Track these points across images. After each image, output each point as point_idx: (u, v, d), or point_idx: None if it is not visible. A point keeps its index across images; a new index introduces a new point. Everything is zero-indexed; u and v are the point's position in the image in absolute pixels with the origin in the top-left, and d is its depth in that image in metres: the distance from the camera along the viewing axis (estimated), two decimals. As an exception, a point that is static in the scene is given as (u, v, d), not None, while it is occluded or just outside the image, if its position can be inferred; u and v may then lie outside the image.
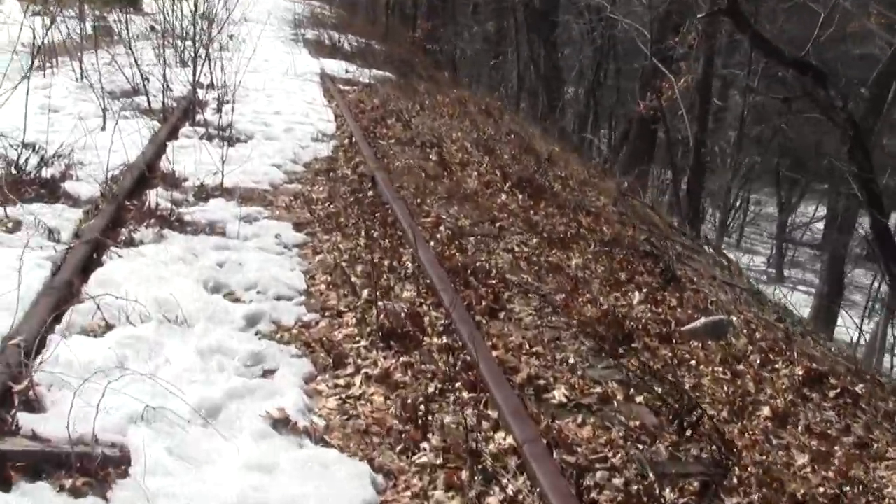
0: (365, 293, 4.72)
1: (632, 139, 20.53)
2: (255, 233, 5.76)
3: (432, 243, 5.79)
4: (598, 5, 17.19)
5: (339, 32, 21.64)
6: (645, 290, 5.54)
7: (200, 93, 10.30)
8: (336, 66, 15.66)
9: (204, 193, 6.54)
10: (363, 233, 5.86)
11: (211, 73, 10.35)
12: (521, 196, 7.44)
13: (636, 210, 8.98)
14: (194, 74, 9.89)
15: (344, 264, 5.27)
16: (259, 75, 12.81)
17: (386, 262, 5.28)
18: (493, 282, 5.17)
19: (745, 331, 5.33)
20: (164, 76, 9.48)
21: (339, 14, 32.18)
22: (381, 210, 6.47)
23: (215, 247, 5.33)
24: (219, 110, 8.95)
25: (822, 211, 28.59)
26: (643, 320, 5.05)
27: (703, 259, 8.27)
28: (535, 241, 6.25)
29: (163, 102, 9.29)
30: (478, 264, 5.45)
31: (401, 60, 18.61)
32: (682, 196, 13.26)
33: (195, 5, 10.61)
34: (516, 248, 6.01)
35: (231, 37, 15.93)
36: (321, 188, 7.20)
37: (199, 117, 9.04)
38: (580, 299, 5.16)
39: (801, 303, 17.89)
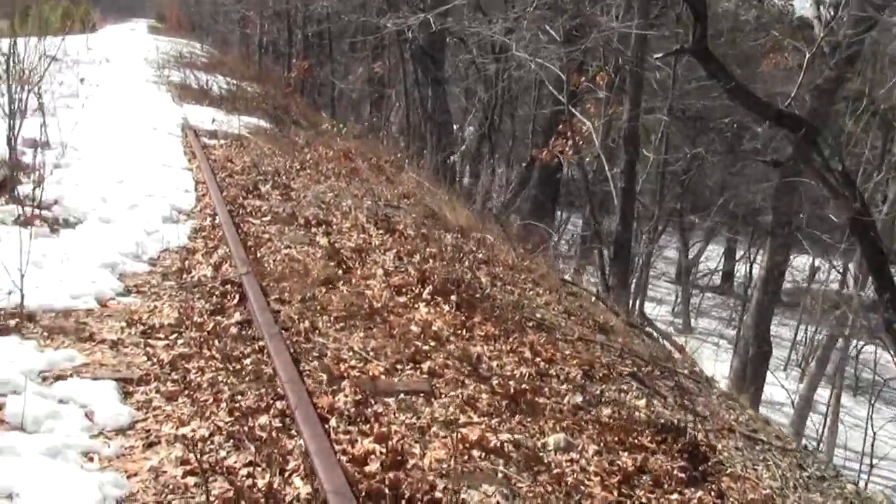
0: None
1: (533, 186, 18.83)
2: (52, 410, 3.50)
3: (333, 420, 3.66)
4: (497, 44, 15.38)
5: (209, 73, 19.17)
6: (675, 496, 3.52)
7: (30, 154, 7.83)
8: (202, 114, 13.32)
9: (-7, 325, 4.23)
10: (224, 402, 3.69)
11: (44, 127, 7.75)
12: (447, 308, 5.36)
13: (584, 305, 7.03)
14: (11, 130, 7.36)
15: (191, 481, 3.09)
16: (107, 129, 10.36)
17: (260, 479, 3.11)
18: (444, 513, 3.07)
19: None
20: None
21: (210, 52, 29.59)
22: (252, 350, 4.29)
23: (-21, 454, 3.05)
24: (39, 183, 6.57)
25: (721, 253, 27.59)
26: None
27: (683, 369, 6.37)
28: (484, 397, 4.17)
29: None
30: (410, 465, 3.35)
31: (275, 105, 16.36)
32: (607, 260, 11.45)
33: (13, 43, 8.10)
34: (462, 419, 3.90)
35: (82, 80, 13.44)
36: (168, 305, 4.96)
37: (22, 190, 6.66)
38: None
39: (719, 357, 16.38)
